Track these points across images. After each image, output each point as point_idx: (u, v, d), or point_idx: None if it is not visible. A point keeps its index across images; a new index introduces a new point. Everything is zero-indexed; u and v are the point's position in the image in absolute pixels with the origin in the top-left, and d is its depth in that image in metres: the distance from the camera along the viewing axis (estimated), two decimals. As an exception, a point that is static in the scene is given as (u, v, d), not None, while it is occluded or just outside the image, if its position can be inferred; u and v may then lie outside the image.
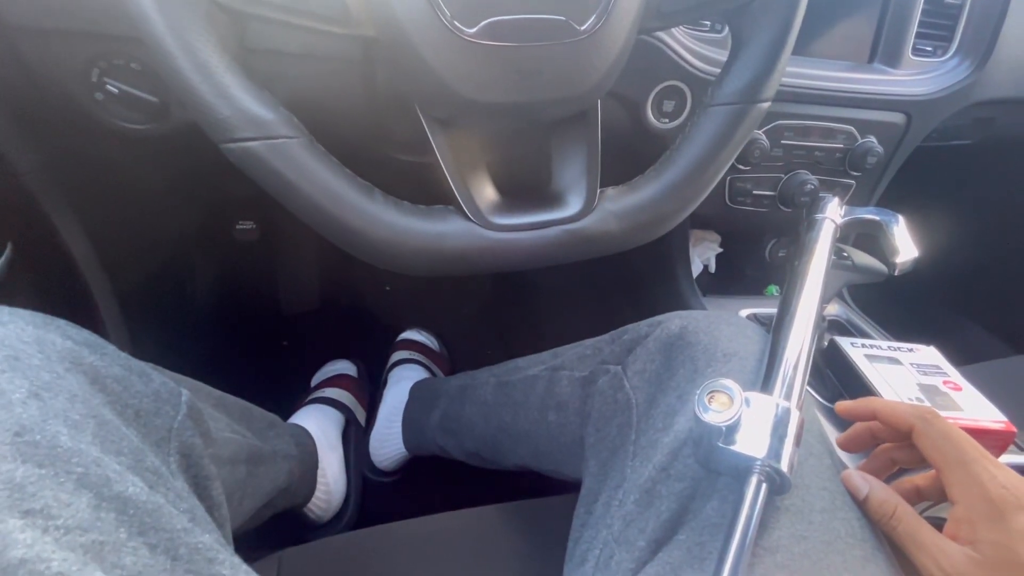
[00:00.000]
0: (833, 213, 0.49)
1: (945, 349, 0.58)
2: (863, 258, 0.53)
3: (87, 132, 0.47)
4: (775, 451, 0.32)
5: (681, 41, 0.56)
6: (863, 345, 0.58)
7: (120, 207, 0.65)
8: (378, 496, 0.80)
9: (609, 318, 0.61)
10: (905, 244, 0.50)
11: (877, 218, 0.51)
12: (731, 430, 0.32)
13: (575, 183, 0.40)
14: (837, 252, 0.52)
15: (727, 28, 0.58)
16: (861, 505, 0.35)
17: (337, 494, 0.75)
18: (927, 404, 0.49)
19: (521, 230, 0.38)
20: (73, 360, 0.29)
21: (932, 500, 0.37)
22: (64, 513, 0.21)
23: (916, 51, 0.67)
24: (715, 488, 0.35)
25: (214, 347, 0.91)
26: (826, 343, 0.60)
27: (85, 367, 0.29)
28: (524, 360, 0.59)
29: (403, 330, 1.01)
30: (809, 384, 0.45)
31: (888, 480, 0.37)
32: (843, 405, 0.40)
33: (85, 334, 0.32)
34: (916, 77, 0.67)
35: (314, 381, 0.93)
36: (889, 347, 0.58)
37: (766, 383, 0.37)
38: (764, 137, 0.63)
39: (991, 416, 0.48)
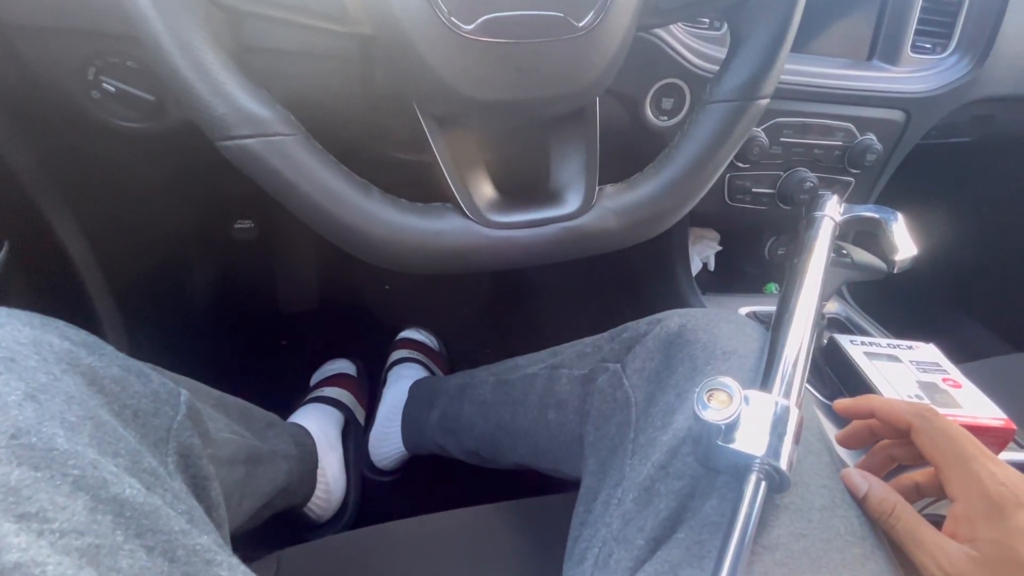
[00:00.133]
0: (832, 211, 0.49)
1: (944, 346, 0.58)
2: (862, 256, 0.53)
3: (84, 130, 0.47)
4: (774, 449, 0.32)
5: (680, 38, 0.55)
6: (862, 343, 0.58)
7: (117, 206, 0.65)
8: (377, 495, 0.80)
9: (608, 316, 0.61)
10: (904, 242, 0.50)
11: (876, 216, 0.51)
12: (730, 428, 0.32)
13: (573, 181, 0.40)
14: (836, 250, 0.52)
15: (726, 25, 0.58)
16: (860, 503, 0.35)
17: (336, 493, 0.75)
18: (927, 401, 0.49)
19: (519, 228, 0.38)
20: (71, 361, 0.29)
21: (932, 497, 0.37)
22: (60, 516, 0.21)
23: (915, 48, 0.67)
24: (714, 486, 0.35)
25: (213, 346, 0.91)
26: (825, 341, 0.60)
27: (83, 368, 0.29)
28: (523, 358, 0.59)
29: (402, 329, 1.01)
30: (808, 382, 0.45)
31: (887, 477, 0.37)
32: (842, 403, 0.40)
33: (83, 335, 0.32)
34: (915, 74, 0.67)
35: (313, 380, 0.93)
36: (888, 345, 0.58)
37: (765, 381, 0.37)
38: (763, 135, 0.63)
39: (990, 413, 0.48)
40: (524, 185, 0.41)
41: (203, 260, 0.93)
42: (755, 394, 0.34)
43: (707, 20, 0.59)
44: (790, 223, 0.72)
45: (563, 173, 0.40)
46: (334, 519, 0.75)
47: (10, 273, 0.51)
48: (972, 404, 0.49)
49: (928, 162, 0.78)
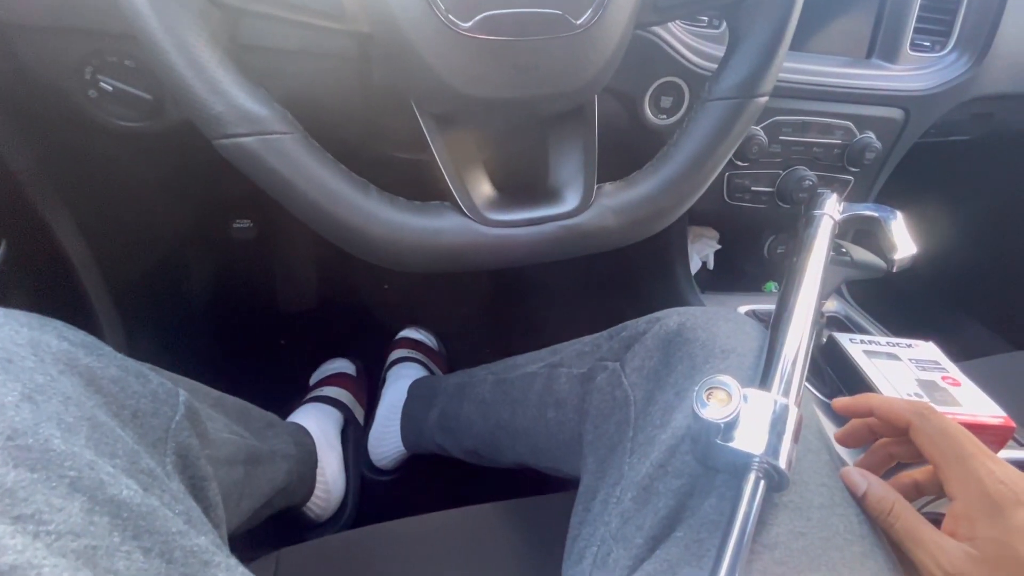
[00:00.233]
0: (831, 209, 0.49)
1: (943, 345, 0.58)
2: (862, 254, 0.53)
3: (81, 130, 0.47)
4: (773, 448, 0.32)
5: (678, 36, 0.55)
6: (861, 341, 0.58)
7: (115, 205, 0.64)
8: (377, 495, 0.80)
9: (607, 315, 0.61)
10: (903, 240, 0.50)
11: (875, 214, 0.51)
12: (729, 427, 0.32)
13: (572, 179, 0.40)
14: (835, 248, 0.52)
15: (724, 23, 0.58)
16: (859, 501, 0.35)
17: (336, 493, 0.75)
18: (926, 400, 0.49)
19: (518, 226, 0.38)
20: (68, 362, 0.29)
21: (931, 495, 0.37)
22: (56, 518, 0.21)
23: (914, 46, 0.67)
24: (713, 485, 0.35)
25: (211, 346, 0.91)
26: (824, 339, 0.59)
27: (81, 369, 0.29)
28: (522, 357, 0.59)
29: (401, 328, 1.01)
30: (808, 380, 0.45)
31: (887, 475, 0.37)
32: (840, 402, 0.40)
33: (81, 335, 0.32)
34: (914, 72, 0.67)
35: (312, 380, 0.92)
36: (888, 343, 0.58)
37: (764, 379, 0.37)
38: (762, 133, 0.63)
39: (990, 411, 0.48)
40: (523, 183, 0.41)
41: (202, 260, 0.93)
42: (754, 393, 0.34)
43: (706, 18, 0.59)
44: (789, 222, 0.72)
45: (562, 171, 0.40)
46: (333, 518, 0.75)
47: (8, 273, 0.51)
48: (971, 402, 0.49)
49: (927, 160, 0.78)
